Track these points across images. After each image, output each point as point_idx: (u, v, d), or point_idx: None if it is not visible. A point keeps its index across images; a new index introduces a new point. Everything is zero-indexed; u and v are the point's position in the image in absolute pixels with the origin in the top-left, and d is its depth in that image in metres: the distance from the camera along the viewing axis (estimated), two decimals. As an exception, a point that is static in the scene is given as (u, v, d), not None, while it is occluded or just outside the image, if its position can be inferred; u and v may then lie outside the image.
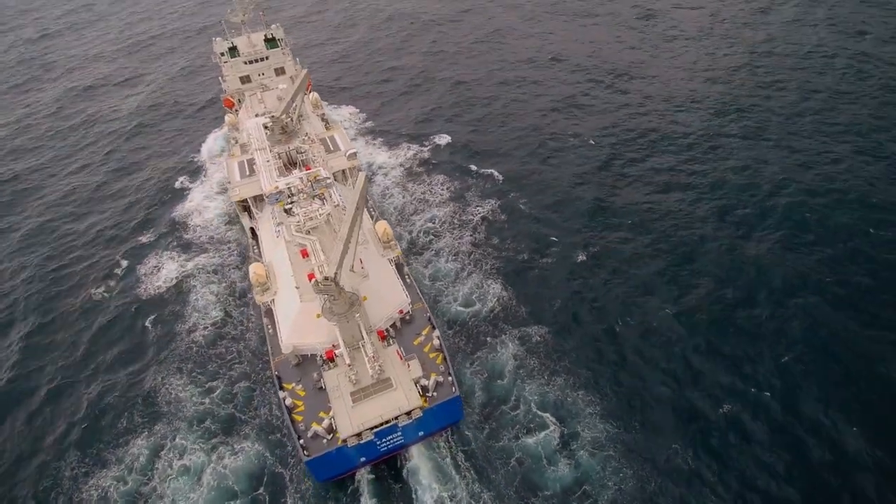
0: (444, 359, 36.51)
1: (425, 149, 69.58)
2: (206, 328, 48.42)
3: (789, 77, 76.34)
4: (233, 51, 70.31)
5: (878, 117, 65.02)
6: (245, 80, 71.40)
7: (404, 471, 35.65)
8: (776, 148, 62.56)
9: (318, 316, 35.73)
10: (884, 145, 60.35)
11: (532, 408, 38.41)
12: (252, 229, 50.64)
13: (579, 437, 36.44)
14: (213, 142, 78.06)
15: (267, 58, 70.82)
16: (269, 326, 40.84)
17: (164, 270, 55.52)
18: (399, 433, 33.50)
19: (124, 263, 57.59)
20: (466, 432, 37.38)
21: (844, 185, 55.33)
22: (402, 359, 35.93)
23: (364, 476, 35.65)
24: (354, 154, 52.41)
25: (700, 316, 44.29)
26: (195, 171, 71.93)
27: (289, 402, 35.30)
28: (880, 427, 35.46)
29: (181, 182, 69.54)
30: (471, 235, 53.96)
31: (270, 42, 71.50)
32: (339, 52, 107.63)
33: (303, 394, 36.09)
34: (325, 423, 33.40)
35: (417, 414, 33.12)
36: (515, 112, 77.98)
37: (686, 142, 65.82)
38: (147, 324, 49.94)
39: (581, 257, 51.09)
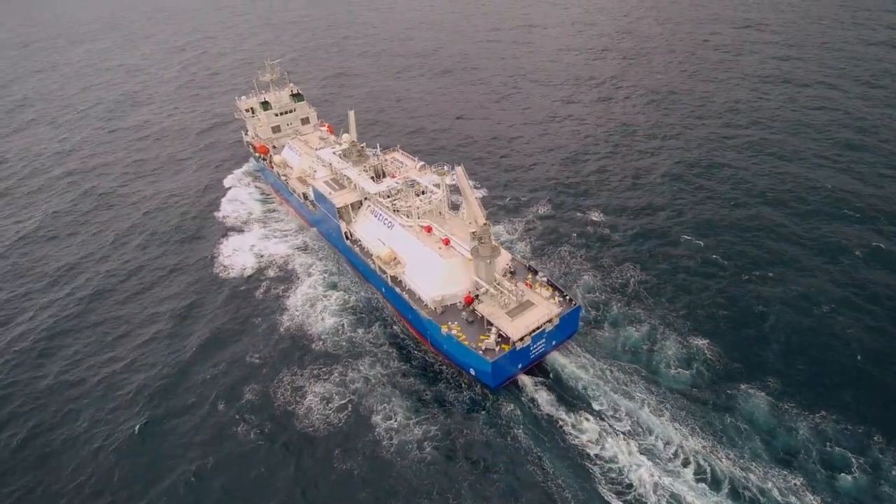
0: (555, 288, 49.14)
1: (528, 217, 72.55)
2: (429, 440, 43.74)
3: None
4: (265, 105, 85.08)
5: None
6: (276, 129, 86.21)
7: None
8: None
9: (471, 259, 47.85)
10: None
11: (824, 449, 40.52)
12: (346, 233, 60.74)
13: (883, 464, 38.99)
14: (262, 240, 72.71)
15: (294, 110, 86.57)
16: (403, 293, 51.06)
17: (312, 396, 48.40)
18: (543, 339, 45.02)
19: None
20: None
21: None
22: (530, 287, 49.26)
23: None
24: (424, 165, 64.99)
25: None
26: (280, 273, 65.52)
27: (454, 332, 45.73)
28: None
29: (271, 289, 62.99)
30: (636, 299, 55.94)
31: (296, 97, 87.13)
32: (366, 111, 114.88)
33: (459, 328, 46.60)
34: (492, 337, 44.49)
35: (556, 321, 45.09)
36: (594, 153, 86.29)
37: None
38: (340, 462, 43.12)
39: (760, 304, 54.18)
